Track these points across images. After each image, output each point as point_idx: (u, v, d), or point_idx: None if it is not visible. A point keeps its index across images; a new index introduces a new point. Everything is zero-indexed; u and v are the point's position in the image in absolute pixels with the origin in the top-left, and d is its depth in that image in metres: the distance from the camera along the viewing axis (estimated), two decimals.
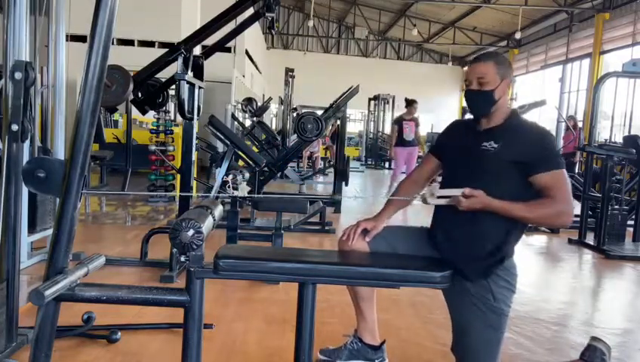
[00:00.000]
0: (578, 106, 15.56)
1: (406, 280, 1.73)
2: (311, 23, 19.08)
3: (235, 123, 9.41)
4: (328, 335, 2.39)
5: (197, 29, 3.90)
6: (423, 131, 11.79)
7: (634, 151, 5.18)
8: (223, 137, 4.59)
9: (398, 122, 7.95)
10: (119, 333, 2.30)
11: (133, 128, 8.17)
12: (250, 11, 4.10)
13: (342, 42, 25.05)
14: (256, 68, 16.74)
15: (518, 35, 16.89)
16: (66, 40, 3.56)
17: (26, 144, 2.24)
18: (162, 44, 10.03)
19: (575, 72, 16.11)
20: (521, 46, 19.41)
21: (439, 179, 1.99)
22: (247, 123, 10.49)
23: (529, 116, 11.64)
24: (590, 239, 5.19)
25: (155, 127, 6.68)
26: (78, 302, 1.54)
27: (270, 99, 11.88)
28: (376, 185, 10.94)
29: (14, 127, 1.97)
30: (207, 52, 4.08)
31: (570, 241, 5.36)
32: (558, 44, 16.95)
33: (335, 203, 5.37)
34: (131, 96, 3.69)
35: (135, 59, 5.07)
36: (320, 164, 12.53)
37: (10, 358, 1.98)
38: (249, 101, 9.87)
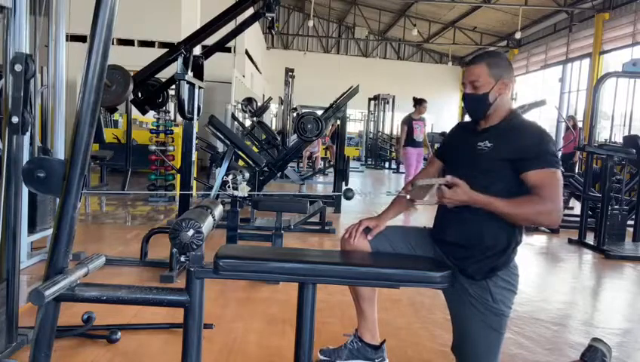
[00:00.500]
0: (578, 106, 15.56)
1: (406, 280, 1.72)
2: (311, 23, 19.07)
3: (235, 123, 9.42)
4: (328, 335, 2.39)
5: (197, 29, 3.91)
6: None
7: (634, 151, 5.18)
8: (223, 137, 4.60)
9: (408, 122, 7.68)
10: (119, 333, 2.30)
11: (133, 128, 8.17)
12: (250, 11, 4.11)
13: (342, 42, 25.04)
14: (256, 68, 16.74)
15: (518, 35, 16.88)
16: (66, 40, 3.56)
17: (26, 144, 2.24)
18: (162, 44, 10.04)
19: (575, 72, 16.11)
20: (521, 46, 19.41)
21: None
22: (247, 123, 10.49)
23: (529, 116, 11.66)
24: (590, 239, 5.19)
25: (155, 127, 6.68)
26: (78, 302, 1.53)
27: (270, 99, 11.88)
28: (376, 185, 10.93)
29: (14, 120, 1.96)
30: (207, 52, 4.08)
31: (570, 241, 5.36)
32: (558, 44, 16.95)
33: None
34: (131, 96, 3.70)
35: (135, 59, 5.07)
36: (320, 164, 12.53)
37: (10, 358, 1.98)
38: (249, 101, 9.88)
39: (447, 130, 2.38)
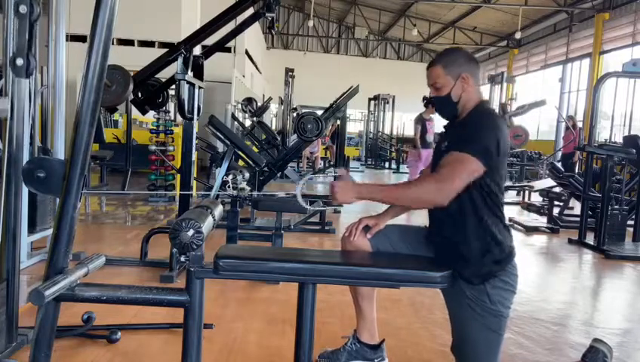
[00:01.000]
0: (578, 106, 15.56)
1: (406, 280, 1.72)
2: (311, 23, 19.08)
3: (235, 123, 9.42)
4: (328, 335, 2.39)
5: (197, 29, 3.91)
6: None
7: (634, 151, 5.18)
8: (223, 137, 4.60)
9: (422, 121, 7.43)
10: (119, 333, 2.30)
11: (133, 128, 8.17)
12: (250, 11, 4.11)
13: (342, 42, 25.06)
14: (257, 68, 16.74)
15: (518, 35, 16.89)
16: (66, 40, 3.56)
17: (26, 144, 2.24)
18: (162, 44, 10.05)
19: (575, 72, 16.11)
20: (521, 46, 19.40)
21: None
22: (247, 123, 10.49)
23: (529, 116, 11.67)
24: (590, 239, 5.18)
25: (155, 127, 6.68)
26: (78, 302, 1.53)
27: (270, 99, 11.88)
28: None
29: (19, 62, 1.95)
30: (207, 52, 4.08)
31: (570, 241, 5.36)
32: (558, 44, 16.95)
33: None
34: (131, 96, 3.70)
35: (135, 59, 5.07)
36: (320, 164, 12.53)
37: (10, 358, 1.98)
38: (249, 101, 9.87)
39: None
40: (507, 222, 1.79)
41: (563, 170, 7.27)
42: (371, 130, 17.37)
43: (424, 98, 7.57)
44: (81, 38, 4.55)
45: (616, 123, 7.22)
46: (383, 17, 22.71)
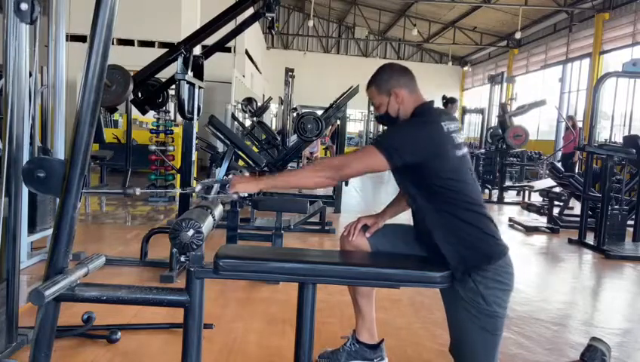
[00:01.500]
0: (578, 106, 15.55)
1: (406, 280, 1.72)
2: (311, 23, 19.08)
3: (235, 123, 9.41)
4: (328, 335, 2.39)
5: (197, 29, 3.90)
6: None
7: (634, 151, 5.18)
8: (223, 137, 4.59)
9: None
10: (119, 333, 2.30)
11: (133, 128, 8.17)
12: (250, 11, 4.10)
13: (342, 42, 25.05)
14: (257, 68, 16.74)
15: (518, 35, 16.88)
16: (66, 40, 3.56)
17: (26, 144, 2.24)
18: (162, 44, 10.04)
19: (575, 72, 16.10)
20: (521, 46, 19.40)
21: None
22: (247, 123, 10.49)
23: (529, 116, 11.65)
24: (590, 239, 5.19)
25: (155, 127, 6.68)
26: (78, 302, 1.54)
27: (270, 99, 11.88)
28: (375, 186, 10.93)
29: (24, 6, 1.94)
30: (207, 52, 4.08)
31: (570, 241, 5.36)
32: (558, 44, 16.94)
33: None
34: (131, 96, 3.69)
35: (135, 59, 5.07)
36: None
37: (10, 358, 1.98)
38: (249, 101, 9.87)
39: None
40: (486, 213, 1.77)
41: (563, 170, 7.27)
42: (371, 130, 17.37)
43: (444, 97, 7.35)
44: (81, 38, 4.55)
45: (616, 123, 7.21)
46: (383, 17, 22.70)
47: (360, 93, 6.82)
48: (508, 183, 9.45)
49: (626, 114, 6.59)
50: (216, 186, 1.78)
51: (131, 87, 3.42)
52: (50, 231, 2.55)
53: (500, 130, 8.92)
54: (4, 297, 1.99)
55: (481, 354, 1.76)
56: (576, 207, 6.88)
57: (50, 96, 3.70)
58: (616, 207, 5.14)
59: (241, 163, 5.40)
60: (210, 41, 4.06)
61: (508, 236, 5.71)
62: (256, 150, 7.38)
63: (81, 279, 1.45)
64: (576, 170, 9.47)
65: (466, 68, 24.74)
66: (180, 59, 3.47)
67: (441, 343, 2.46)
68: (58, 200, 1.44)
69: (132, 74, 3.54)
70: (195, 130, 3.67)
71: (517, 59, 19.86)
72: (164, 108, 6.11)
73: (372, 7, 21.93)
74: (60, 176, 1.44)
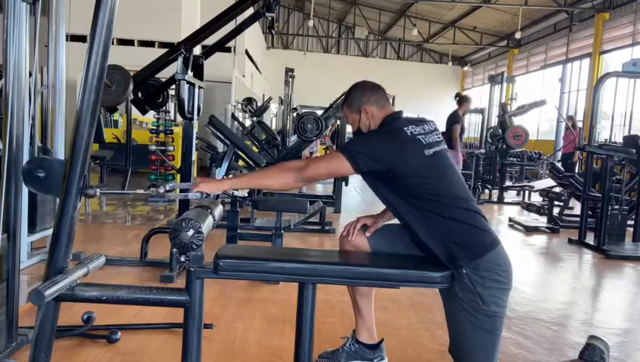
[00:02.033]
0: (578, 106, 15.55)
1: (406, 280, 1.72)
2: (311, 23, 19.07)
3: (235, 123, 9.42)
4: (328, 335, 2.39)
5: (197, 29, 3.90)
6: None
7: (634, 151, 5.18)
8: (223, 137, 4.60)
9: (461, 120, 6.65)
10: (119, 333, 2.30)
11: (133, 128, 8.16)
12: (250, 11, 4.10)
13: (342, 42, 25.04)
14: (257, 68, 16.74)
15: (518, 35, 16.88)
16: (66, 40, 3.56)
17: (26, 144, 2.24)
18: (162, 44, 10.05)
19: (575, 72, 16.10)
20: (521, 46, 19.39)
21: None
22: (247, 123, 10.49)
23: (529, 116, 11.66)
24: (590, 239, 5.19)
25: (155, 127, 6.68)
26: (78, 302, 1.54)
27: (270, 99, 11.88)
28: None
29: None
30: (207, 52, 4.08)
31: (570, 241, 5.36)
32: (558, 44, 16.94)
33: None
34: (131, 96, 3.69)
35: (135, 59, 5.08)
36: None
37: (10, 358, 1.99)
38: (249, 101, 9.87)
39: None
40: (471, 207, 1.79)
41: (563, 170, 7.27)
42: None
43: (457, 95, 7.09)
44: (81, 38, 4.55)
45: (616, 123, 7.20)
46: (383, 17, 22.70)
47: None
48: (508, 183, 9.45)
49: (626, 114, 6.59)
50: (175, 185, 1.82)
51: (131, 87, 3.41)
52: (50, 231, 2.55)
53: (500, 130, 8.93)
54: (4, 297, 1.99)
55: (481, 353, 1.76)
56: (576, 206, 6.89)
57: (50, 96, 3.70)
58: (616, 206, 5.14)
59: (241, 163, 5.40)
60: (210, 41, 4.05)
61: (508, 236, 5.71)
62: (256, 150, 7.39)
63: (81, 279, 1.46)
64: (576, 170, 9.47)
65: (466, 68, 24.74)
66: (180, 59, 3.47)
67: (442, 343, 2.46)
68: (58, 200, 1.44)
69: (132, 74, 3.54)
70: (195, 130, 3.67)
71: (517, 59, 19.86)
72: (164, 108, 6.09)
73: (372, 7, 21.93)
74: (60, 176, 1.44)
